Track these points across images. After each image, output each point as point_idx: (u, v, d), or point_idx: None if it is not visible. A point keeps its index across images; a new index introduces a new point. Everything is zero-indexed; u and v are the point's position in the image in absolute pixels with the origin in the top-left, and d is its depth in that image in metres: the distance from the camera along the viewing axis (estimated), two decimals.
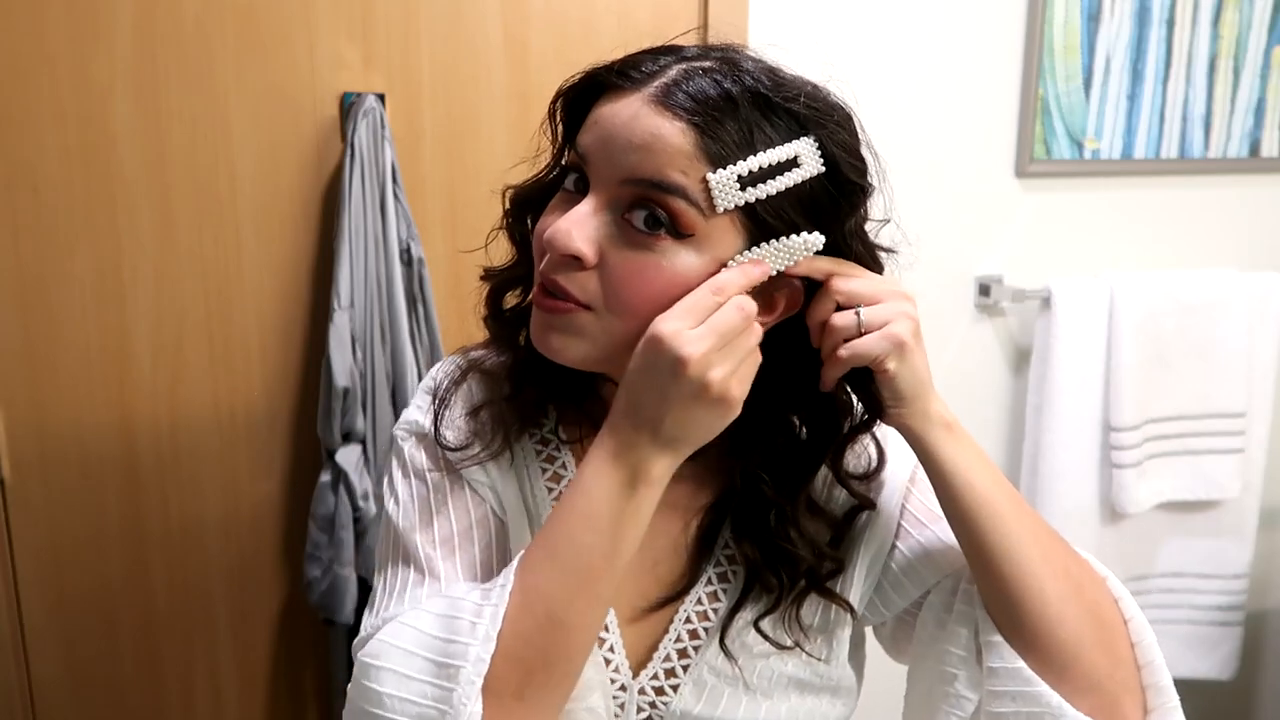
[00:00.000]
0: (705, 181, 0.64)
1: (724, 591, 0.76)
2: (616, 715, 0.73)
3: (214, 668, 1.40)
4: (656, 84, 0.66)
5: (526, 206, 0.76)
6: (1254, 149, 1.63)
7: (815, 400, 0.72)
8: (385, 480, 0.80)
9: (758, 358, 0.65)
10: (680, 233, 0.64)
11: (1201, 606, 1.68)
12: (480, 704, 0.60)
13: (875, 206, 0.73)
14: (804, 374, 0.71)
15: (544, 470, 0.77)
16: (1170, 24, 1.55)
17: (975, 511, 0.68)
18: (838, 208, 0.68)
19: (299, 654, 1.42)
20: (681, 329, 0.62)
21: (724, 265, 0.66)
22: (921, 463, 0.71)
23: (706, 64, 0.67)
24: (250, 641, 1.41)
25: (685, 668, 0.74)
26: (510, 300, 0.79)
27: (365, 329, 1.27)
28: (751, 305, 0.64)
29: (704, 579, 0.76)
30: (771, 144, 0.65)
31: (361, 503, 1.29)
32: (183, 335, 1.30)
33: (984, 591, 0.71)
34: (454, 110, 1.33)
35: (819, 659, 0.76)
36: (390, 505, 0.77)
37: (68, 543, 1.32)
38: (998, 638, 0.69)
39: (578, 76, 0.71)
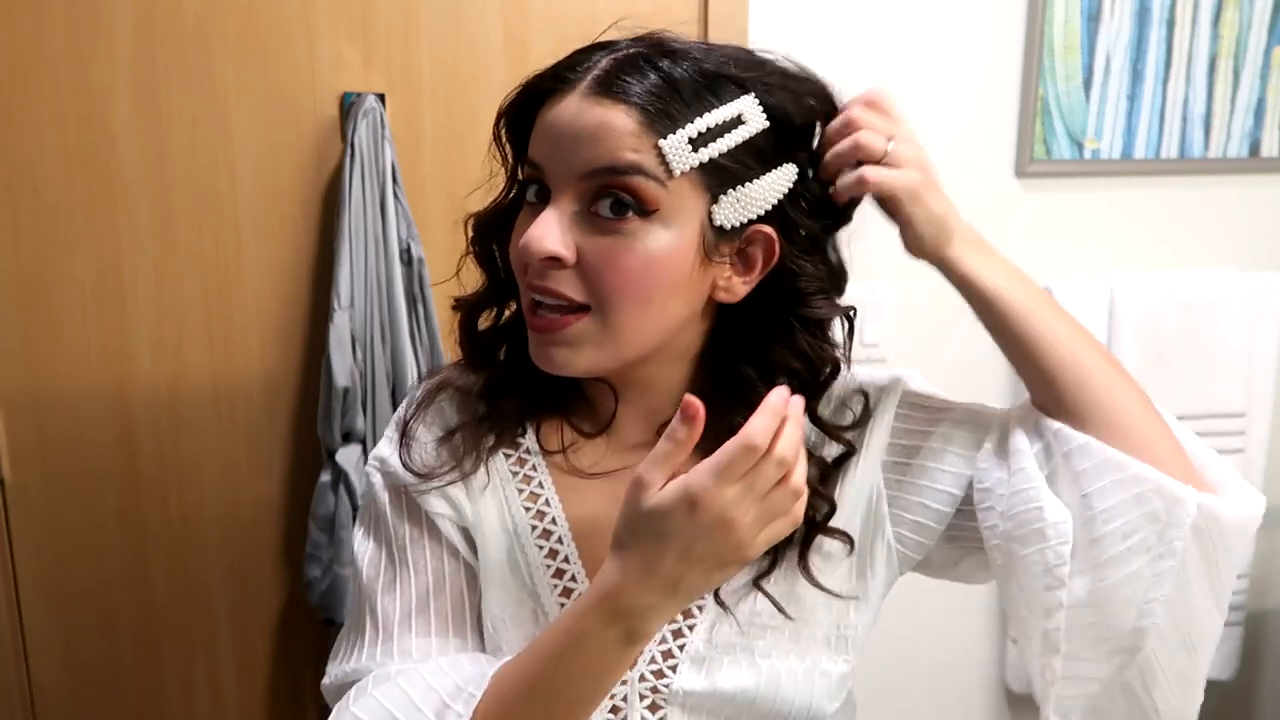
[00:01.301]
0: (658, 150, 0.65)
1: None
2: (619, 709, 0.73)
3: (214, 668, 1.40)
4: (591, 77, 0.68)
5: (490, 230, 0.78)
6: (1254, 149, 1.63)
7: (798, 354, 0.74)
8: (358, 518, 0.81)
9: (795, 520, 0.63)
10: (646, 210, 0.66)
11: None
12: None
13: None
14: (788, 330, 0.73)
15: (520, 490, 0.77)
16: (1170, 24, 1.55)
17: (1016, 315, 0.71)
18: (794, 150, 0.71)
19: (299, 654, 1.42)
20: (722, 491, 0.59)
21: (702, 228, 0.68)
22: (954, 285, 0.74)
23: (635, 50, 0.69)
24: (250, 641, 1.41)
25: (681, 646, 0.74)
26: (484, 321, 0.80)
27: (365, 329, 1.27)
28: (792, 457, 0.61)
29: None
30: (714, 107, 0.67)
31: (361, 503, 1.29)
32: (183, 335, 1.30)
33: (1038, 388, 0.73)
34: (454, 110, 1.33)
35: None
36: (358, 549, 0.78)
37: (68, 542, 1.32)
38: (1057, 424, 0.72)
39: (514, 92, 0.73)
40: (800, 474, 0.62)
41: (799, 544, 0.75)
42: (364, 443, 1.30)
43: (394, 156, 1.26)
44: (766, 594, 0.74)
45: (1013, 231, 1.59)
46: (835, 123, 0.70)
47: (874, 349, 1.53)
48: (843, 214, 0.74)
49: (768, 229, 0.70)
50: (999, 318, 0.72)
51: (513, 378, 0.78)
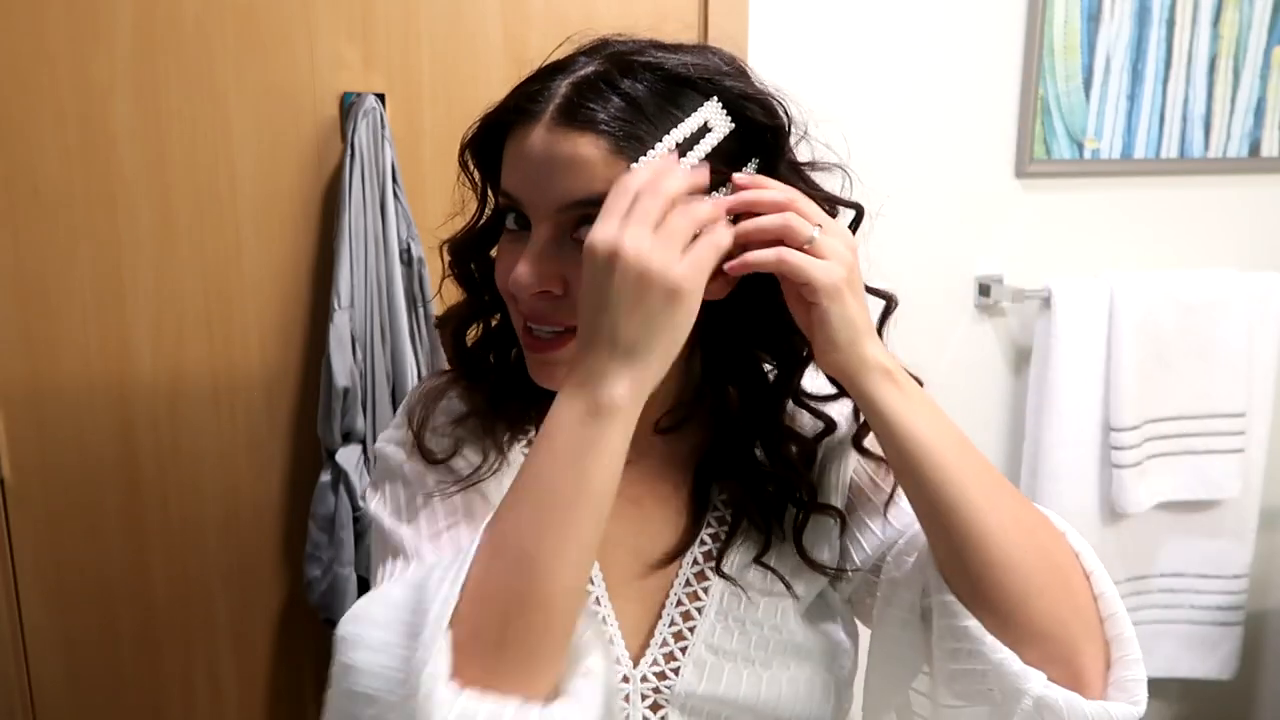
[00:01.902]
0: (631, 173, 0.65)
1: (713, 570, 0.77)
2: (623, 708, 0.73)
3: (214, 668, 1.40)
4: (553, 107, 0.67)
5: (466, 253, 0.79)
6: (1254, 149, 1.63)
7: (779, 332, 0.74)
8: (370, 485, 0.80)
9: (717, 241, 0.63)
10: None
11: (1201, 606, 1.68)
12: (447, 639, 0.56)
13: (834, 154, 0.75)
14: (769, 310, 0.72)
15: None
16: (1170, 24, 1.55)
17: (916, 459, 0.66)
18: (761, 151, 0.70)
19: (299, 654, 1.42)
20: (606, 227, 0.60)
21: None
22: (861, 410, 0.69)
23: (592, 70, 0.68)
24: (250, 641, 1.41)
25: (684, 649, 0.75)
26: (473, 334, 0.81)
27: (365, 329, 1.27)
28: (680, 183, 0.62)
29: (690, 559, 0.77)
30: (679, 119, 0.66)
31: (361, 503, 1.29)
32: (183, 335, 1.30)
33: (931, 545, 0.69)
34: (454, 110, 1.33)
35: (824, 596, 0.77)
36: (373, 506, 0.77)
37: (68, 543, 1.32)
38: (948, 596, 0.68)
39: (475, 127, 0.74)
40: (701, 206, 0.62)
41: (792, 525, 0.77)
42: (364, 443, 1.30)
43: (394, 156, 1.26)
44: (771, 569, 0.76)
45: (1013, 231, 1.59)
46: (768, 195, 0.66)
47: None
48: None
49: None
50: (911, 462, 0.66)
51: (510, 384, 0.79)
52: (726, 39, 1.37)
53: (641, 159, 0.65)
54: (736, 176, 0.67)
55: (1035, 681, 0.64)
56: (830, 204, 0.75)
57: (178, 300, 1.29)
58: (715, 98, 0.68)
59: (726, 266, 0.65)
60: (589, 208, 0.65)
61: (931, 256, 1.55)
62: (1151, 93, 1.57)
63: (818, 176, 0.73)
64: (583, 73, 0.69)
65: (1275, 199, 1.66)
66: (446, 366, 0.85)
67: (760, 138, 0.70)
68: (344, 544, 1.29)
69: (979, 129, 1.54)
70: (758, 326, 0.74)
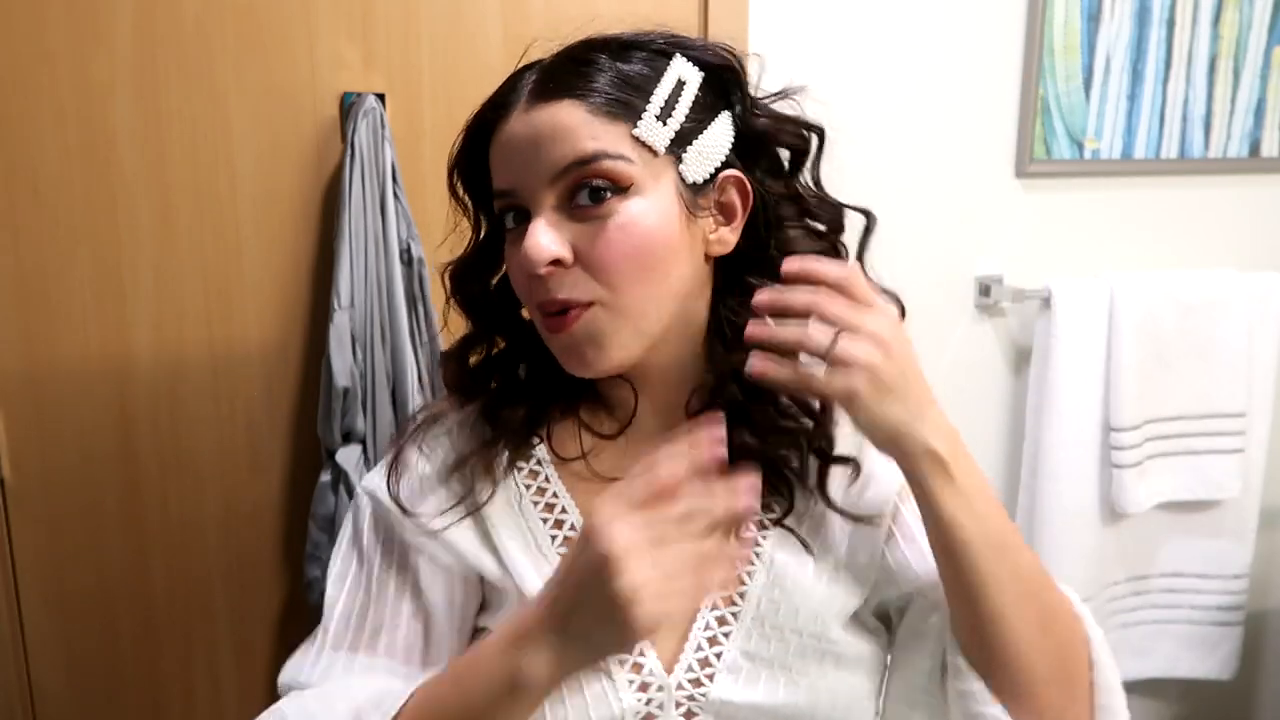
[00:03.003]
0: (631, 137, 0.68)
1: (749, 575, 0.75)
2: (653, 716, 0.72)
3: (214, 668, 1.40)
4: (526, 91, 0.71)
5: (469, 276, 0.80)
6: (1254, 149, 1.63)
7: (773, 275, 0.74)
8: (341, 529, 0.81)
9: (705, 587, 0.57)
10: (621, 187, 0.68)
11: (1201, 606, 1.68)
12: None
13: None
14: (762, 260, 0.74)
15: (535, 503, 0.78)
16: (1170, 24, 1.55)
17: (953, 552, 0.67)
18: (725, 95, 0.73)
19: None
20: (613, 522, 0.56)
21: (677, 189, 0.70)
22: (914, 492, 0.69)
23: (558, 56, 0.73)
24: (250, 641, 1.41)
25: (718, 655, 0.73)
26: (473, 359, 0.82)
27: (365, 329, 1.27)
28: (707, 518, 0.57)
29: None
30: (650, 78, 0.70)
31: (359, 499, 1.29)
32: (182, 335, 1.30)
33: (954, 620, 0.71)
34: (454, 110, 1.33)
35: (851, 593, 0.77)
36: (332, 561, 0.79)
37: (68, 543, 1.32)
38: (961, 661, 0.70)
39: (459, 141, 0.76)
40: (707, 547, 0.56)
41: (816, 477, 0.77)
42: (364, 443, 1.30)
43: (394, 156, 1.26)
44: (793, 530, 0.76)
45: (1013, 231, 1.59)
46: (797, 298, 0.66)
47: None
48: (803, 145, 0.76)
49: (733, 172, 0.73)
50: (948, 553, 0.68)
51: (511, 392, 0.80)
52: (726, 39, 1.36)
53: (641, 119, 0.68)
54: (785, 271, 0.67)
55: None
56: (837, 211, 0.77)
57: (178, 300, 1.29)
58: (678, 54, 0.71)
59: (748, 371, 0.67)
60: (581, 168, 0.67)
61: (931, 256, 1.55)
62: (1151, 93, 1.57)
63: (782, 107, 0.76)
64: (549, 60, 0.73)
65: (1275, 199, 1.66)
66: (436, 401, 0.86)
67: (724, 85, 0.73)
68: None
69: (979, 129, 1.54)
70: (754, 279, 0.75)
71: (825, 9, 1.44)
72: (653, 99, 0.69)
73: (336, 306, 1.25)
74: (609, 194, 0.68)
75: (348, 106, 1.27)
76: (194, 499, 1.34)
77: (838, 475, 0.78)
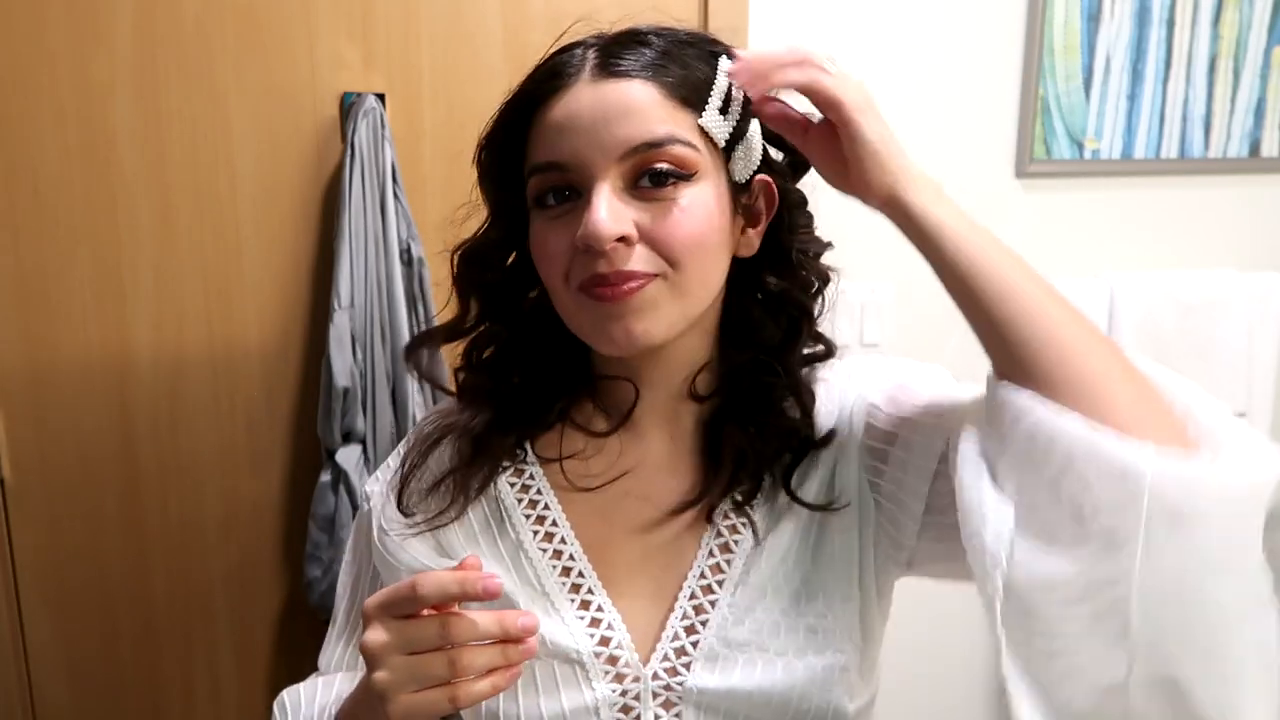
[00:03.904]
0: (697, 126, 0.68)
1: (726, 563, 0.75)
2: (630, 708, 0.72)
3: (214, 668, 1.40)
4: (591, 64, 0.69)
5: (485, 260, 0.77)
6: (1254, 149, 1.63)
7: (789, 278, 0.76)
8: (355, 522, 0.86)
9: (454, 699, 0.61)
10: (686, 173, 0.68)
11: None
12: None
13: None
14: (789, 266, 0.76)
15: (528, 516, 0.78)
16: (1170, 24, 1.55)
17: (974, 275, 0.64)
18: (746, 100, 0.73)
19: (299, 655, 1.42)
20: (377, 619, 0.62)
21: (725, 183, 0.71)
22: (910, 231, 0.67)
23: (614, 35, 0.71)
24: (250, 641, 1.41)
25: (695, 644, 0.73)
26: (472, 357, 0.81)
27: (365, 329, 1.27)
28: (461, 634, 0.60)
29: (705, 550, 0.75)
30: (705, 73, 0.70)
31: (361, 503, 1.29)
32: (182, 335, 1.30)
33: (990, 344, 0.65)
34: (454, 110, 1.33)
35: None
36: (344, 562, 0.85)
37: (68, 543, 1.32)
38: (1013, 394, 0.62)
39: (499, 115, 0.72)
40: (473, 658, 0.60)
41: (785, 467, 0.76)
42: (364, 443, 1.30)
43: (394, 156, 1.26)
44: (748, 515, 0.75)
45: (1013, 231, 1.58)
46: (784, 55, 0.67)
47: (874, 349, 1.53)
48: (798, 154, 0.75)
49: (765, 177, 0.74)
50: (969, 279, 0.64)
51: (512, 408, 0.79)
52: (726, 37, 1.36)
53: (704, 114, 0.69)
54: (737, 57, 0.69)
55: (1145, 459, 0.56)
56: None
57: (178, 300, 1.29)
58: (725, 56, 0.71)
59: (764, 114, 0.69)
60: (652, 150, 0.67)
61: None
62: (1151, 93, 1.57)
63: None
64: (607, 39, 0.71)
65: (1275, 199, 1.66)
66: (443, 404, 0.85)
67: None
68: (344, 544, 1.28)
69: (979, 129, 1.54)
70: (783, 277, 0.76)
71: (825, 8, 1.44)
72: (714, 93, 0.69)
73: (336, 306, 1.25)
74: (673, 179, 0.68)
75: (348, 106, 1.27)
76: (194, 499, 1.34)
77: (808, 472, 0.77)
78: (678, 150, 0.67)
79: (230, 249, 1.30)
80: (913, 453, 0.73)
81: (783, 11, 1.42)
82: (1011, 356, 0.63)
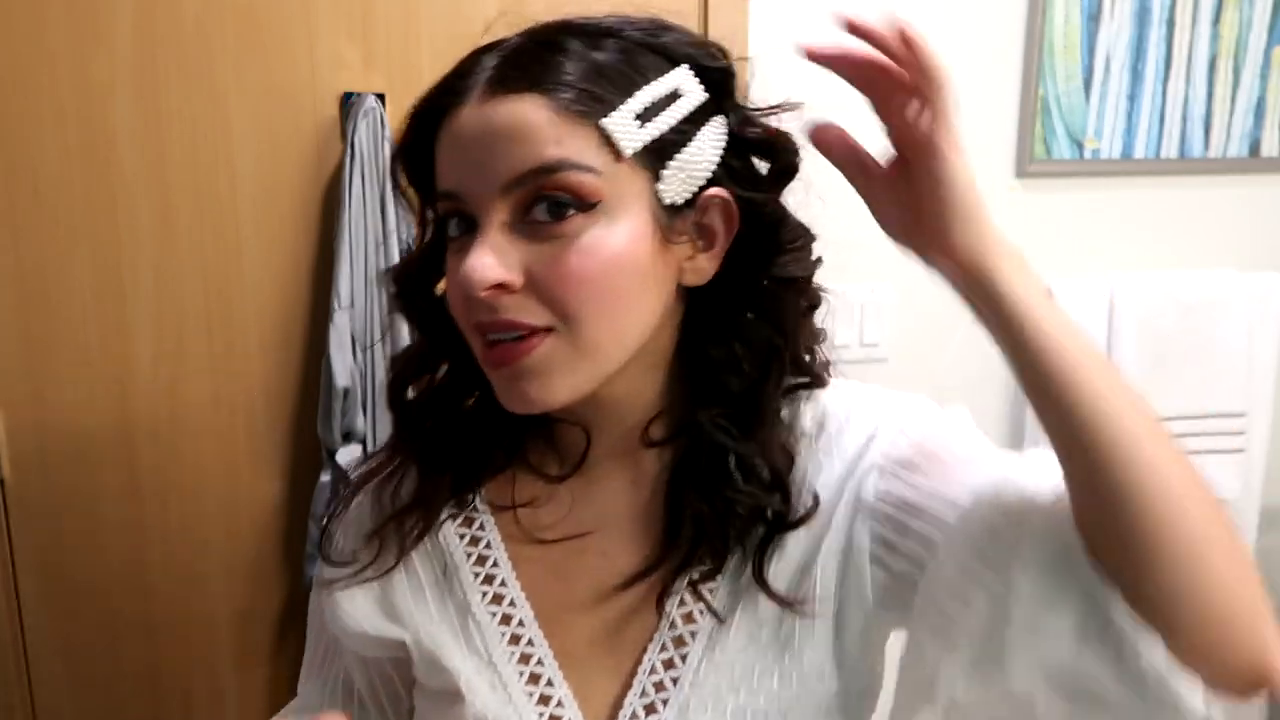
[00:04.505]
0: (599, 130, 0.58)
1: (691, 635, 0.67)
2: None
3: (214, 668, 1.40)
4: (485, 78, 0.61)
5: (413, 282, 0.70)
6: (1254, 149, 1.63)
7: (776, 325, 0.66)
8: None
9: None
10: (587, 204, 0.58)
11: None
12: None
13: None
14: (762, 298, 0.65)
15: (473, 568, 0.71)
16: (1170, 24, 1.55)
17: (1062, 378, 0.51)
18: (717, 101, 0.63)
19: (299, 655, 1.42)
20: None
21: (651, 210, 0.60)
22: (982, 307, 0.55)
23: (526, 39, 0.64)
24: (250, 642, 1.41)
25: (665, 701, 0.66)
26: (421, 388, 0.73)
27: (365, 329, 1.27)
28: None
29: (668, 619, 0.67)
30: (629, 71, 0.60)
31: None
32: (183, 335, 1.30)
33: (1074, 475, 0.52)
34: None
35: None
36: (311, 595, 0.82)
37: (68, 543, 1.32)
38: (1120, 603, 0.50)
39: (405, 126, 0.66)
40: None
41: (757, 543, 0.66)
42: (364, 443, 1.30)
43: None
44: (705, 599, 0.66)
45: (1013, 231, 1.58)
46: (892, 36, 0.55)
47: (874, 349, 1.53)
48: (790, 158, 0.65)
49: (719, 192, 0.63)
50: (1055, 380, 0.52)
51: (448, 449, 0.71)
52: (726, 38, 1.36)
53: (610, 116, 0.58)
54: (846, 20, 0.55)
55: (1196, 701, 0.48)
56: (810, 238, 0.68)
57: (178, 300, 1.29)
58: (685, 65, 0.62)
59: (824, 143, 0.58)
60: (541, 178, 0.58)
61: None
62: (1151, 93, 1.57)
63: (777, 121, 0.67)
64: (515, 43, 0.63)
65: (1275, 199, 1.66)
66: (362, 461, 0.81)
67: (715, 90, 0.64)
68: None
69: (979, 129, 1.54)
70: (749, 309, 0.66)
71: (825, 8, 1.44)
72: (637, 95, 0.59)
73: (336, 306, 1.25)
74: (571, 210, 0.58)
75: (348, 106, 1.27)
76: (194, 498, 1.34)
77: (784, 549, 0.67)
78: (572, 177, 0.58)
79: (230, 249, 1.30)
80: (962, 591, 0.57)
81: (783, 12, 1.42)
82: (1102, 502, 0.51)
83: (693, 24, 1.39)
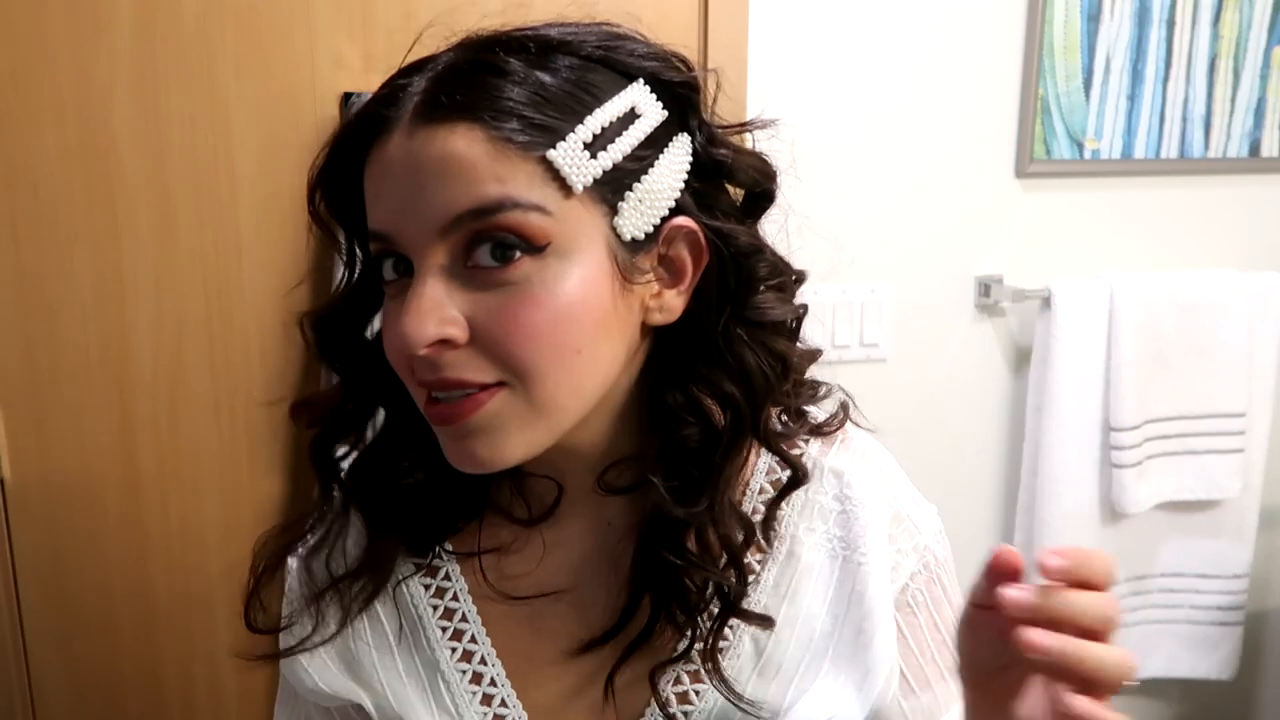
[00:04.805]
0: (545, 164, 0.51)
1: (685, 715, 0.62)
2: None
3: (214, 668, 1.40)
4: (413, 104, 0.53)
5: (336, 328, 0.63)
6: (1254, 149, 1.63)
7: (741, 372, 0.58)
8: None
9: None
10: (534, 245, 0.52)
11: (1201, 606, 1.68)
12: None
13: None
14: (731, 338, 0.58)
15: (439, 622, 0.65)
16: (1170, 24, 1.55)
17: None
18: (680, 120, 0.57)
19: None
20: None
21: (609, 247, 0.54)
22: None
23: (459, 56, 0.57)
24: (250, 642, 1.40)
25: None
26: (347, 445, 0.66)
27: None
28: None
29: (658, 706, 0.63)
30: (579, 92, 0.53)
31: None
32: (183, 335, 1.30)
33: None
34: None
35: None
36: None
37: (68, 543, 1.32)
38: None
39: (323, 155, 0.58)
40: None
41: (706, 635, 0.60)
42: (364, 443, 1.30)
43: None
44: (656, 693, 0.60)
45: (1013, 231, 1.59)
46: (1094, 603, 0.47)
47: (874, 349, 1.53)
48: (765, 183, 0.60)
49: (685, 222, 0.56)
50: None
51: (397, 508, 0.64)
52: (726, 39, 1.37)
53: (557, 147, 0.51)
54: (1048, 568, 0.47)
55: None
56: (789, 268, 0.62)
57: (178, 300, 1.29)
58: (641, 80, 0.56)
59: (1026, 643, 0.46)
60: (481, 220, 0.51)
61: (931, 256, 1.55)
62: (1151, 93, 1.57)
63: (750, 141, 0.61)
64: (447, 62, 0.56)
65: (1275, 199, 1.66)
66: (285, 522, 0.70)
67: (679, 108, 0.57)
68: None
69: (979, 129, 1.54)
70: (711, 355, 0.59)
71: (825, 8, 1.44)
72: (587, 120, 0.52)
73: None
74: (518, 253, 0.51)
75: (348, 107, 1.27)
76: (194, 499, 1.34)
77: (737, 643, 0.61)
78: (517, 217, 0.51)
79: (230, 249, 1.30)
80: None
81: (783, 13, 1.42)
82: None
83: (693, 28, 1.38)
